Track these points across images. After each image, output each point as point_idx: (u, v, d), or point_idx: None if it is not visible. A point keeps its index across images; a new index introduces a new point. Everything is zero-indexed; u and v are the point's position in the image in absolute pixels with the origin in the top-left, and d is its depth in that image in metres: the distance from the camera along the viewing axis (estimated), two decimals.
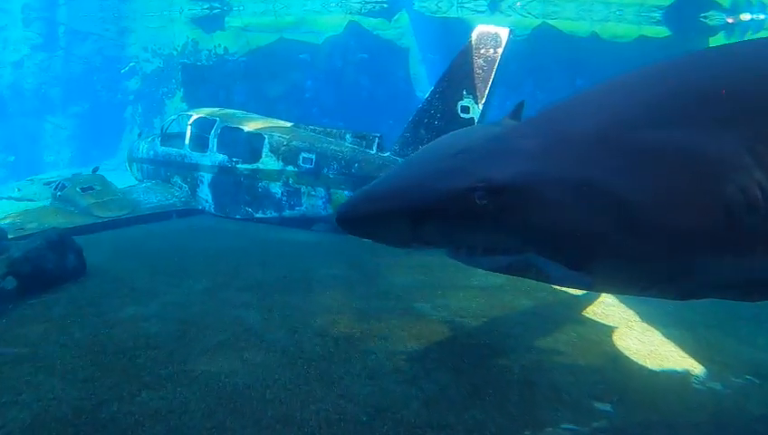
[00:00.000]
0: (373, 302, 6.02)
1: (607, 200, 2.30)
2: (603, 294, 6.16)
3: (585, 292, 6.05)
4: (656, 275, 2.53)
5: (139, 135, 15.13)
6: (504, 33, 8.73)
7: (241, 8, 23.86)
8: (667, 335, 5.26)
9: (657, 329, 5.41)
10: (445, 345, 5.03)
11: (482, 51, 8.78)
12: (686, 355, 4.88)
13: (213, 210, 11.51)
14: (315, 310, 5.78)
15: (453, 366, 4.56)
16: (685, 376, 4.52)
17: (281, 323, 5.44)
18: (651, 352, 4.91)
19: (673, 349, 5.00)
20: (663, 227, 2.30)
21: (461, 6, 21.56)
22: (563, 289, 6.05)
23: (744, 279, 2.53)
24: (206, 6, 24.10)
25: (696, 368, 4.64)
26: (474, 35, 8.85)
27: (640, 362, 4.74)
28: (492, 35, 8.75)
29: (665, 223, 2.30)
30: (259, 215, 10.79)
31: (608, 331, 5.38)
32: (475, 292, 6.28)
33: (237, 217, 11.12)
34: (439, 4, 21.76)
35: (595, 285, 3.10)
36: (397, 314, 5.67)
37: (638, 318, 5.69)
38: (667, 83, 2.63)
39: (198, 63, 24.73)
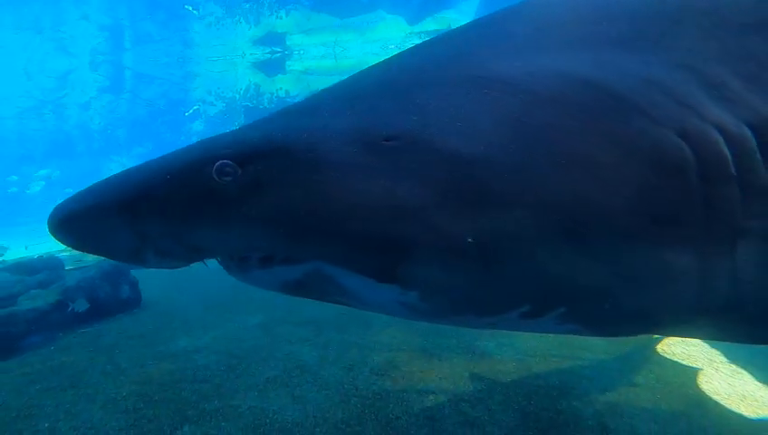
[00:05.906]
0: (434, 339, 5.70)
1: (431, 158, 1.49)
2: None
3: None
4: (526, 289, 1.60)
5: None
6: None
7: (302, 52, 24.37)
8: (763, 379, 4.73)
9: (749, 371, 4.89)
10: (510, 386, 4.63)
11: None
12: None
13: None
14: (373, 347, 5.51)
15: (519, 409, 4.16)
16: None
17: (336, 359, 5.18)
18: (744, 398, 4.40)
19: None
20: (536, 199, 1.43)
21: None
22: None
23: (723, 301, 1.58)
24: (267, 51, 24.71)
25: None
26: None
27: (733, 407, 4.24)
28: None
29: (540, 193, 1.43)
30: None
31: (691, 373, 4.90)
32: None
33: None
34: None
35: (429, 309, 1.75)
36: (459, 352, 5.33)
37: (724, 359, 5.19)
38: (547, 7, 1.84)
39: (260, 107, 25.24)
